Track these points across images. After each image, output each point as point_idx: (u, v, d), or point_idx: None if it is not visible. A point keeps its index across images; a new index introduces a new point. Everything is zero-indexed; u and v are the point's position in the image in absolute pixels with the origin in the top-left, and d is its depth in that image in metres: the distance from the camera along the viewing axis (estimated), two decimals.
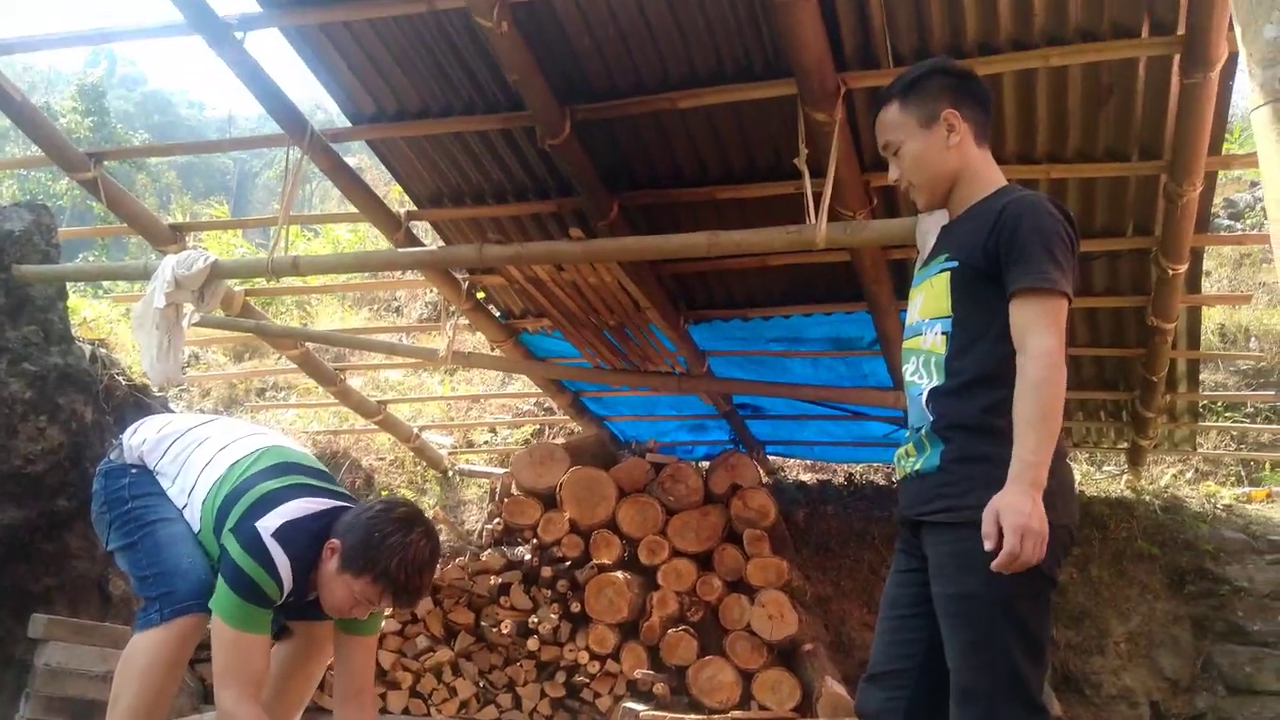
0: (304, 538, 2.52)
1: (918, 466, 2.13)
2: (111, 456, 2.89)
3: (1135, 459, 6.21)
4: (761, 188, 3.93)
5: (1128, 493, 6.43)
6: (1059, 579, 2.11)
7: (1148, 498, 6.34)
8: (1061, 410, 1.94)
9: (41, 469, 3.98)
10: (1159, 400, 5.12)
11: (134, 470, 2.80)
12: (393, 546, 2.47)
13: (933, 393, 2.11)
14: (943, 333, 2.12)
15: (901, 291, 3.75)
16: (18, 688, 3.67)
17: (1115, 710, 5.54)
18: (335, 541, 2.52)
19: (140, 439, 2.85)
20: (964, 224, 2.18)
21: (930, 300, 2.17)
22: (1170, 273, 3.87)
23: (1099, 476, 6.76)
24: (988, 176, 2.21)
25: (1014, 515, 1.84)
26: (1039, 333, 1.96)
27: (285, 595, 2.53)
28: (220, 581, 2.49)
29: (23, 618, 3.72)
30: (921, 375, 2.16)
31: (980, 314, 2.07)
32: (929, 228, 2.36)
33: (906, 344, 2.26)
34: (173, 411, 5.98)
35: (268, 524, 2.49)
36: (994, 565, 1.85)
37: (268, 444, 2.82)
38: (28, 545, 3.89)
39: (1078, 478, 6.72)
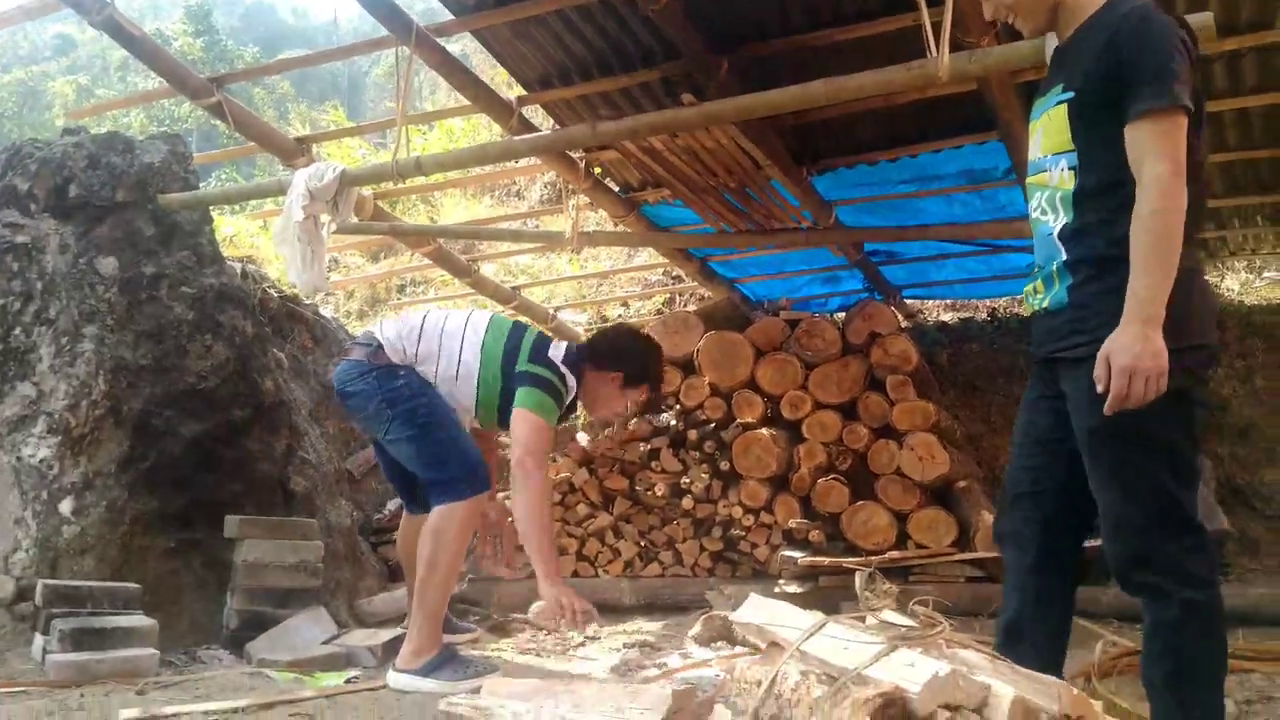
0: (572, 366, 3.49)
1: (1045, 304, 2.13)
2: (364, 358, 3.41)
3: None
4: (876, 25, 3.76)
5: None
6: (1209, 397, 2.10)
7: None
8: (1179, 240, 1.88)
9: (214, 383, 4.25)
10: None
11: (403, 372, 3.40)
12: (658, 360, 3.73)
13: (1064, 229, 2.07)
14: (1069, 167, 2.06)
15: None
16: (221, 584, 4.03)
17: None
18: (616, 375, 3.58)
19: (399, 333, 3.46)
20: (1076, 46, 2.09)
21: (1051, 134, 2.11)
22: None
23: (1259, 284, 6.40)
24: None
25: (1122, 355, 1.85)
26: (1154, 159, 1.89)
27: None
28: (532, 389, 3.38)
29: (217, 522, 4.06)
30: (1047, 212, 2.12)
31: (1103, 144, 2.00)
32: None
33: (1031, 180, 2.21)
34: (324, 316, 6.28)
35: (555, 355, 3.48)
36: (1105, 409, 1.87)
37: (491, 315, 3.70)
38: (211, 455, 4.19)
39: (1235, 287, 6.38)
